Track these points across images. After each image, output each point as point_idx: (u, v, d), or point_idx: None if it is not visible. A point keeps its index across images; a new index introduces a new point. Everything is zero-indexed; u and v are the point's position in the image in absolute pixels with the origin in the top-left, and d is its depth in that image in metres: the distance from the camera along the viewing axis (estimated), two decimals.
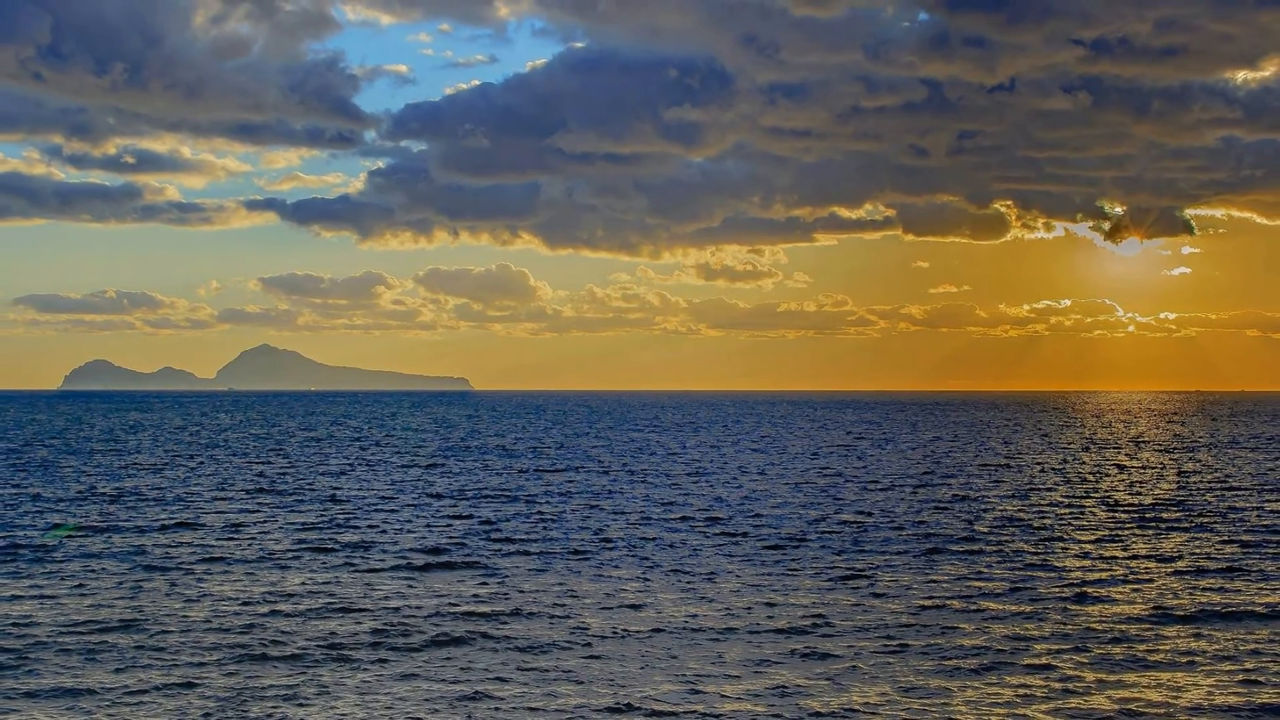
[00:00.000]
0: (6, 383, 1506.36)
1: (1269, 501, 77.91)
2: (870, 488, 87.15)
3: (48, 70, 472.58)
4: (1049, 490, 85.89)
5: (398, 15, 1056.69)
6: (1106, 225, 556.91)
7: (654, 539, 59.03)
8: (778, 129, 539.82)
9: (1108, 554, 54.52)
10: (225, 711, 29.31)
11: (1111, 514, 70.66)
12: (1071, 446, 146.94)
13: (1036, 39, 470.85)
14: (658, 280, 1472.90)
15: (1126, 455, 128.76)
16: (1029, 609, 41.64)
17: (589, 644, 36.11)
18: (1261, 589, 45.62)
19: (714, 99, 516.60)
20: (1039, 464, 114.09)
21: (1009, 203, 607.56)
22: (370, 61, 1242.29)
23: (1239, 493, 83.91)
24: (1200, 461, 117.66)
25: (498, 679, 32.24)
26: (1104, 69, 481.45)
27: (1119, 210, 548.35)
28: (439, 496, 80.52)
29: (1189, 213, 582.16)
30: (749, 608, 41.51)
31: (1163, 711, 29.67)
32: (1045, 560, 52.47)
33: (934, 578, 47.83)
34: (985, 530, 62.52)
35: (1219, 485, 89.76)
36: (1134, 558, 53.45)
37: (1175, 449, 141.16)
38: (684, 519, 67.43)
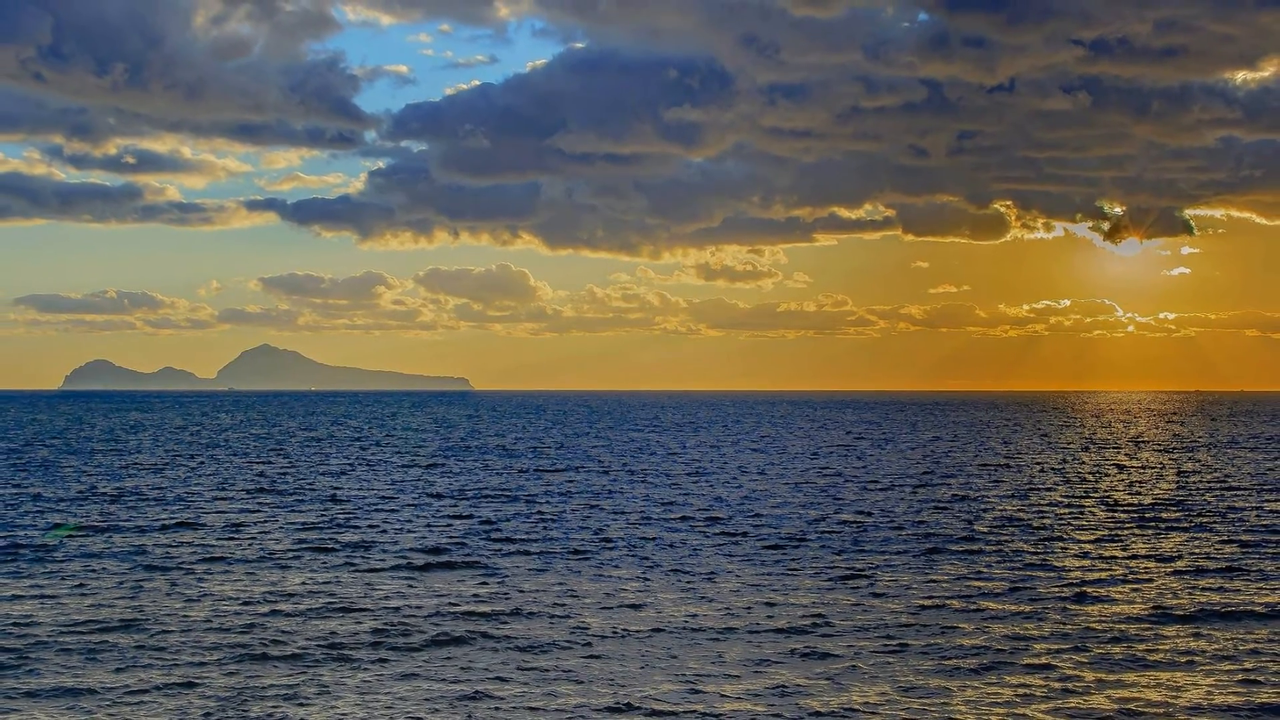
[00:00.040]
0: (7, 383, 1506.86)
1: (1268, 501, 77.95)
2: (870, 488, 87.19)
3: (48, 70, 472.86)
4: (1048, 490, 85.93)
5: (398, 16, 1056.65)
6: (1106, 225, 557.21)
7: (654, 539, 59.07)
8: (777, 129, 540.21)
9: (1107, 554, 54.57)
10: (226, 711, 29.36)
11: (1111, 514, 70.70)
12: (1071, 446, 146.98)
13: (1036, 39, 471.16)
14: (658, 280, 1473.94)
15: (1126, 455, 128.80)
16: (1029, 609, 41.68)
17: (589, 644, 36.15)
18: (1261, 589, 45.66)
19: (714, 99, 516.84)
20: (1038, 464, 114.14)
21: (1008, 203, 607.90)
22: (370, 62, 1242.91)
23: (1238, 493, 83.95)
24: (1199, 461, 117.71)
25: (498, 679, 32.29)
26: (1104, 69, 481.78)
27: (1118, 210, 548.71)
28: (439, 496, 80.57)
29: (1188, 213, 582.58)
30: (749, 607, 41.55)
31: (1162, 711, 29.71)
32: (1045, 560, 52.51)
33: (934, 577, 47.88)
34: (985, 530, 62.56)
35: (1218, 485, 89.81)
36: (1133, 557, 53.50)
37: (1174, 449, 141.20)
38: (684, 519, 67.47)
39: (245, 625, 38.50)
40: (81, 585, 45.46)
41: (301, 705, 29.88)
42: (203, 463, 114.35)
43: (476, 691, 31.02)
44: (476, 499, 78.81)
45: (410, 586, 45.71)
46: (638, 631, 37.74)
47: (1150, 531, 62.51)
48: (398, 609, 41.13)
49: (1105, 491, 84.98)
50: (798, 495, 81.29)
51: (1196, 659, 34.70)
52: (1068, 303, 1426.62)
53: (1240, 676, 32.74)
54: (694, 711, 29.43)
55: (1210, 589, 45.59)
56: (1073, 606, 42.22)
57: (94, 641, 36.11)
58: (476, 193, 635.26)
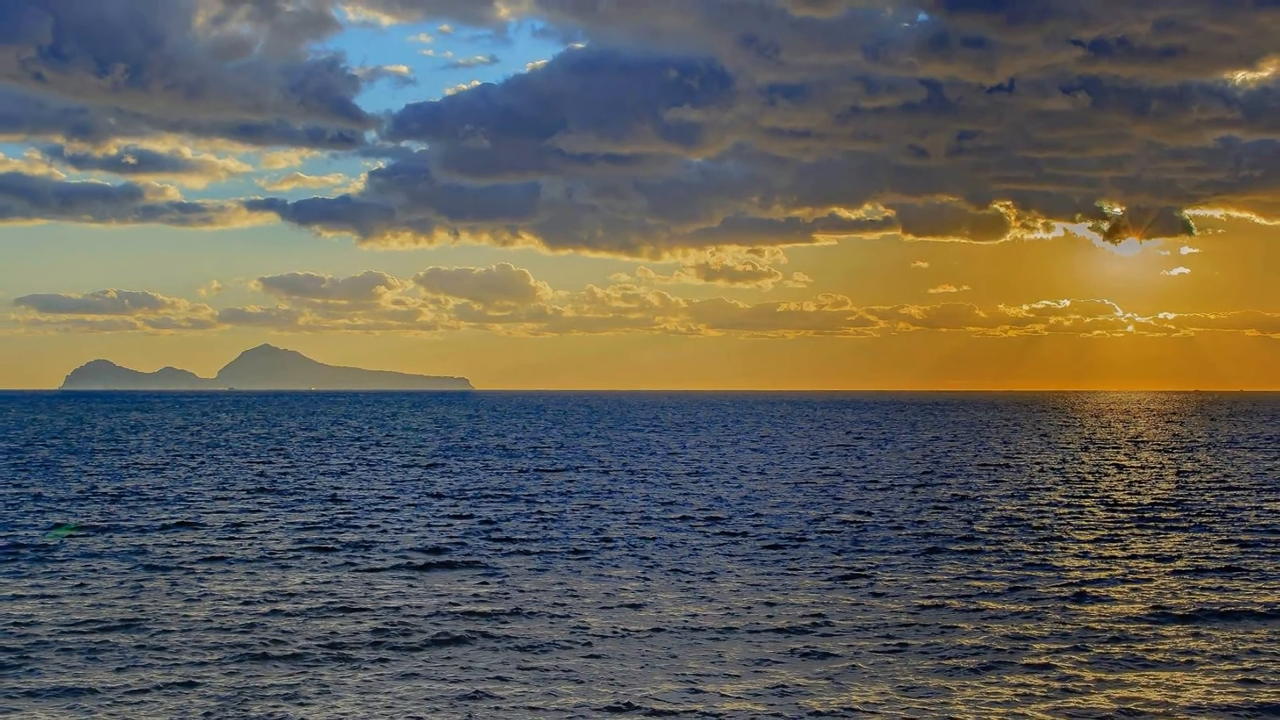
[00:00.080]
0: (8, 383, 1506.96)
1: (1267, 501, 77.99)
2: (870, 487, 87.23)
3: (49, 71, 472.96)
4: (1048, 490, 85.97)
5: (398, 16, 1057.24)
6: (1105, 225, 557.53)
7: (654, 539, 59.11)
8: (777, 129, 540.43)
9: (1107, 554, 54.61)
10: (226, 711, 29.39)
11: (1110, 514, 70.74)
12: (1070, 446, 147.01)
13: (1036, 39, 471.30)
14: (658, 280, 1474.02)
15: (1125, 455, 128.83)
16: (1028, 608, 41.72)
17: (589, 643, 36.19)
18: (1260, 588, 45.70)
19: (714, 99, 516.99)
20: (1038, 464, 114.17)
21: (1008, 203, 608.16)
22: (371, 62, 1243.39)
23: (1238, 492, 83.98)
24: (1199, 461, 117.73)
25: (498, 678, 32.32)
26: (1103, 69, 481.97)
27: (1118, 210, 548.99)
28: (439, 496, 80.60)
29: (1188, 213, 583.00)
30: (749, 607, 41.58)
31: (1161, 711, 29.74)
32: (1044, 560, 52.55)
33: (933, 577, 47.91)
34: (984, 530, 62.59)
35: (1218, 485, 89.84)
36: (1133, 557, 53.53)
37: (1174, 449, 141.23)
38: (684, 519, 67.50)
39: (246, 625, 38.53)
40: (82, 585, 45.50)
41: (302, 705, 29.92)
42: (203, 463, 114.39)
43: (477, 691, 31.06)
44: (476, 499, 78.85)
45: (410, 586, 45.75)
46: (638, 631, 37.78)
47: (1150, 531, 62.54)
48: (398, 609, 41.17)
49: (1105, 491, 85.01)
50: (798, 495, 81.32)
51: (1196, 659, 34.73)
52: (1067, 303, 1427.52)
53: (1240, 676, 32.78)
54: (694, 711, 29.46)
55: (1210, 589, 45.63)
56: (1072, 606, 42.26)
57: (94, 641, 36.15)
58: (477, 193, 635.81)
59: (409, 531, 61.58)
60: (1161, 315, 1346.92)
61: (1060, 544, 57.60)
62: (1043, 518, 68.32)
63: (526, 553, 54.40)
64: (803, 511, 70.98)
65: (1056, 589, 45.40)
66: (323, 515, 68.95)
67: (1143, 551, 55.35)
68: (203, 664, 33.66)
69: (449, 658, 34.55)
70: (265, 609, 41.09)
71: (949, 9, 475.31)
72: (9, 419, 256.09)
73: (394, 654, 34.91)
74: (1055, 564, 51.43)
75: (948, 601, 42.73)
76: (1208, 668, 33.76)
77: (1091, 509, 73.27)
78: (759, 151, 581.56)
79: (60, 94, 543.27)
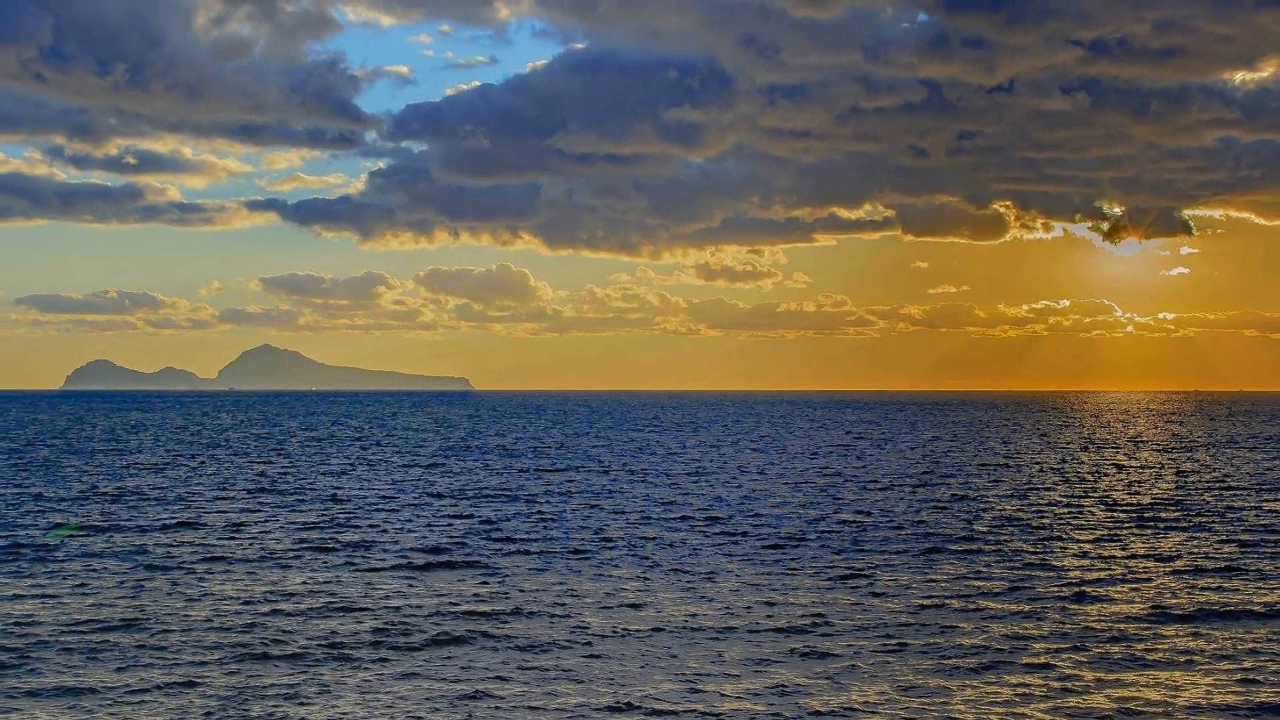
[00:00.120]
0: (8, 383, 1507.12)
1: (1267, 501, 78.03)
2: (869, 487, 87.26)
3: (50, 71, 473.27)
4: (1048, 490, 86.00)
5: (398, 16, 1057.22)
6: (1105, 226, 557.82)
7: (654, 539, 59.14)
8: (777, 130, 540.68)
9: (1106, 553, 54.64)
10: (227, 710, 29.43)
11: (1110, 513, 70.77)
12: (1070, 446, 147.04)
13: (1035, 40, 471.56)
14: (658, 280, 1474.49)
15: (1125, 455, 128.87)
16: (1028, 608, 41.75)
17: (589, 643, 36.22)
18: (1259, 588, 45.73)
19: (714, 100, 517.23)
20: (1038, 464, 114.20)
21: (1008, 203, 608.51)
22: (371, 62, 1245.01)
23: (1237, 492, 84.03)
24: (1198, 461, 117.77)
25: (498, 678, 32.36)
26: (1103, 70, 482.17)
27: (1117, 211, 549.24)
28: (439, 496, 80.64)
29: (1187, 213, 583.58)
30: (748, 607, 41.62)
31: (1161, 710, 29.78)
32: (1044, 560, 52.58)
33: (933, 577, 47.95)
34: (984, 530, 62.63)
35: (1217, 485, 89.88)
36: (1132, 557, 53.57)
37: (1173, 449, 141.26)
38: (684, 519, 67.54)
39: (246, 625, 38.57)
40: (83, 585, 45.54)
41: (302, 704, 29.95)
42: (203, 462, 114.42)
43: (477, 691, 31.10)
44: (477, 499, 78.89)
45: (411, 586, 45.79)
46: (638, 631, 37.81)
47: (1149, 531, 62.58)
48: (398, 608, 41.21)
49: (1104, 491, 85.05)
50: (798, 495, 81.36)
51: (1195, 658, 34.77)
52: (1067, 303, 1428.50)
53: (1239, 676, 32.81)
54: (694, 711, 29.50)
55: (1209, 588, 45.67)
56: (1072, 606, 42.30)
57: (95, 641, 36.18)
58: (477, 193, 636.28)
59: (409, 531, 61.62)
60: (1161, 315, 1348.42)
61: (1060, 544, 57.64)
62: (1042, 518, 68.36)
63: (526, 552, 54.44)
64: (803, 511, 71.01)
65: (1056, 589, 45.44)
66: (323, 515, 68.99)
67: (1142, 551, 55.39)
68: (203, 664, 33.70)
69: (449, 657, 34.58)
70: (266, 609, 41.13)
71: (949, 9, 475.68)
72: (9, 419, 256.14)
73: (394, 654, 34.95)
74: (1055, 564, 51.47)
75: (948, 601, 42.77)
76: (1207, 667, 33.80)
77: (1091, 509, 73.31)
78: (759, 151, 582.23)
79: (61, 94, 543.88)
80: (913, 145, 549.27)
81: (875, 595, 43.98)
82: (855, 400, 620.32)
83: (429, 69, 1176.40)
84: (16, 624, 38.34)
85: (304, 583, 46.36)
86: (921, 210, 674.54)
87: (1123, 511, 71.75)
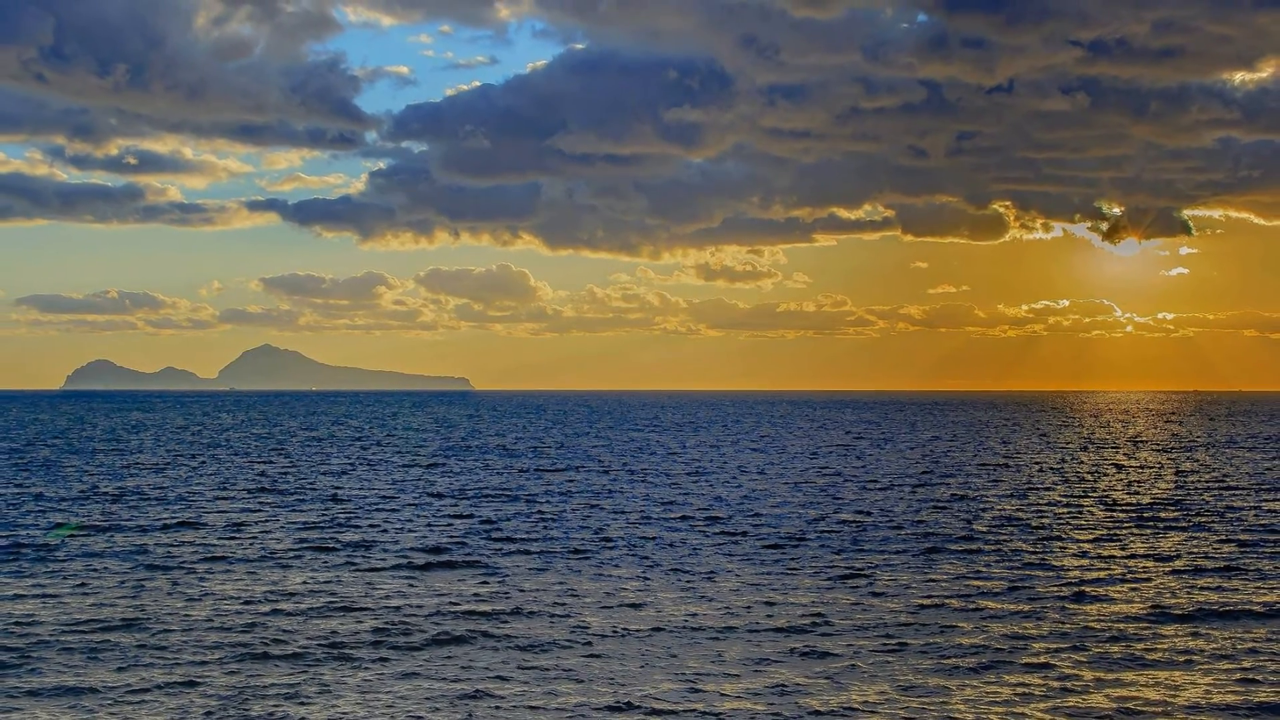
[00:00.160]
0: (9, 382, 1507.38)
1: (1266, 501, 78.07)
2: (869, 487, 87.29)
3: (50, 71, 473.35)
4: (1047, 490, 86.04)
5: (399, 17, 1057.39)
6: (1104, 226, 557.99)
7: (654, 538, 59.18)
8: (777, 130, 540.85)
9: (1106, 553, 54.68)
10: (227, 710, 29.47)
11: (1110, 513, 70.81)
12: (1070, 446, 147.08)
13: (1035, 40, 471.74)
14: (658, 280, 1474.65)
15: (1124, 455, 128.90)
16: (1027, 608, 41.79)
17: (589, 643, 36.26)
18: (1259, 588, 45.77)
19: (714, 100, 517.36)
20: (1037, 463, 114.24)
21: (1007, 203, 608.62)
22: (371, 63, 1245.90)
23: (1236, 492, 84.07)
24: (1198, 461, 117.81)
25: (498, 678, 32.40)
26: (1102, 70, 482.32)
27: (1117, 211, 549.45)
28: (440, 496, 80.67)
29: (1186, 213, 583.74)
30: (748, 607, 41.66)
31: (1160, 710, 29.82)
32: (1043, 559, 52.62)
33: (933, 577, 47.99)
34: (984, 529, 62.67)
35: (1216, 485, 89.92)
36: (1132, 557, 53.61)
37: (1173, 449, 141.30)
38: (684, 518, 67.58)
39: (246, 624, 38.61)
40: (83, 584, 45.58)
41: (303, 704, 29.99)
42: (204, 462, 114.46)
43: (477, 690, 31.14)
44: (477, 498, 78.93)
45: (411, 586, 45.83)
46: (638, 631, 37.85)
47: (1149, 531, 62.62)
48: (398, 608, 41.25)
49: (1104, 491, 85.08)
50: (797, 495, 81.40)
51: (1195, 658, 34.80)
52: (1066, 303, 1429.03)
53: (1238, 675, 32.84)
54: (694, 710, 29.54)
55: (1208, 588, 45.70)
56: (1071, 606, 42.33)
57: (96, 640, 36.22)
58: (477, 193, 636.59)
59: (409, 531, 61.66)
60: (1160, 315, 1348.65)
61: (1059, 544, 57.68)
62: (1042, 517, 68.40)
63: (527, 552, 54.48)
64: (803, 511, 71.05)
65: (1056, 589, 45.47)
66: (323, 515, 69.03)
67: (1142, 551, 55.42)
68: (204, 663, 33.74)
69: (449, 657, 34.62)
70: (266, 608, 41.17)
71: (948, 9, 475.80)
72: (10, 419, 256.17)
73: (394, 653, 34.99)
74: (1054, 564, 51.50)
75: (947, 601, 42.81)
76: (1206, 667, 33.83)
77: (1090, 509, 73.34)
78: (759, 152, 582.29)
79: (61, 94, 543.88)
80: (912, 145, 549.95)
81: (875, 595, 44.02)
82: (855, 400, 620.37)
83: (429, 69, 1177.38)
84: (17, 623, 38.38)
85: (304, 582, 46.41)
86: (921, 210, 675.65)
87: (1122, 511, 71.78)
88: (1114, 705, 30.09)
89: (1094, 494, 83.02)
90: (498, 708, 29.75)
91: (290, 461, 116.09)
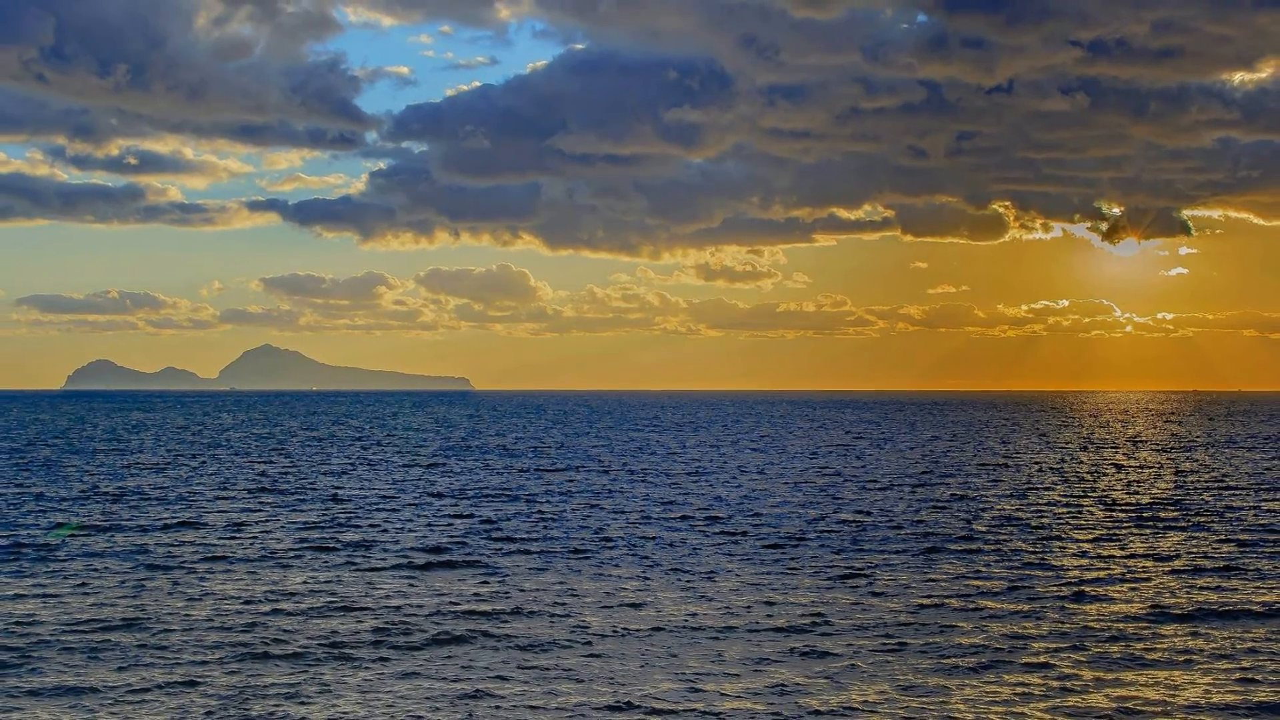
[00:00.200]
0: (9, 382, 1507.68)
1: (1266, 501, 78.09)
2: (869, 487, 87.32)
3: (51, 71, 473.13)
4: (1047, 490, 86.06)
5: (399, 17, 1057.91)
6: (1104, 226, 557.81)
7: (654, 538, 59.21)
8: (777, 130, 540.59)
9: (1105, 553, 54.71)
10: (227, 710, 29.50)
11: (1109, 513, 70.83)
12: (1069, 446, 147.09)
13: (1034, 40, 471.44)
14: (658, 280, 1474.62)
15: (1124, 455, 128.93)
16: (1027, 608, 41.82)
17: (589, 642, 36.29)
18: (1258, 588, 45.80)
19: (713, 100, 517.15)
20: (1037, 463, 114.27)
21: (1007, 203, 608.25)
22: (371, 63, 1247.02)
23: (1236, 492, 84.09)
24: (1197, 461, 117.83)
25: (499, 677, 32.43)
26: (1102, 70, 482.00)
27: (1116, 211, 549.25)
28: (440, 496, 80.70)
29: (1186, 213, 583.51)
30: (748, 606, 41.69)
31: (1160, 710, 29.85)
32: (1043, 559, 52.65)
33: (932, 577, 48.02)
34: (983, 529, 62.70)
35: (1216, 485, 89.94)
36: (1131, 557, 53.64)
37: (1172, 448, 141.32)
38: (684, 518, 67.60)
39: (247, 624, 38.64)
40: (84, 584, 45.61)
41: (303, 704, 30.02)
42: (204, 462, 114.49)
43: (477, 690, 31.17)
44: (477, 498, 78.96)
45: (411, 585, 45.86)
46: (638, 630, 37.88)
47: (1148, 531, 62.65)
48: (399, 608, 41.28)
49: (1103, 491, 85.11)
50: (797, 495, 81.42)
51: (1194, 658, 34.84)
52: (1066, 303, 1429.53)
53: (1238, 675, 32.87)
54: (694, 710, 29.57)
55: (1208, 588, 45.74)
56: (1071, 605, 42.36)
57: (96, 640, 36.26)
58: (477, 193, 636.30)
59: (410, 531, 61.69)
60: (1160, 315, 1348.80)
61: (1059, 544, 57.71)
62: (1042, 517, 68.43)
63: (527, 552, 54.51)
64: (803, 511, 71.08)
65: (1055, 588, 45.50)
66: (324, 515, 69.06)
67: (1141, 551, 55.45)
68: (204, 663, 33.77)
69: (450, 657, 34.65)
70: (266, 608, 41.20)
71: (948, 10, 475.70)
72: (11, 419, 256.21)
73: (395, 653, 35.02)
74: (1054, 563, 51.53)
75: (947, 601, 42.84)
76: (1206, 667, 33.86)
77: (1090, 508, 73.37)
78: (759, 152, 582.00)
79: (62, 95, 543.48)
80: (912, 146, 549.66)
81: (875, 595, 44.05)
82: (855, 400, 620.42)
83: (429, 69, 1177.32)
84: (18, 623, 38.41)
85: (304, 582, 46.44)
86: (921, 210, 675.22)
87: (1122, 511, 71.81)
88: (1114, 705, 30.12)
89: (1094, 494, 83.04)
90: (498, 707, 29.78)
91: (290, 461, 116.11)
